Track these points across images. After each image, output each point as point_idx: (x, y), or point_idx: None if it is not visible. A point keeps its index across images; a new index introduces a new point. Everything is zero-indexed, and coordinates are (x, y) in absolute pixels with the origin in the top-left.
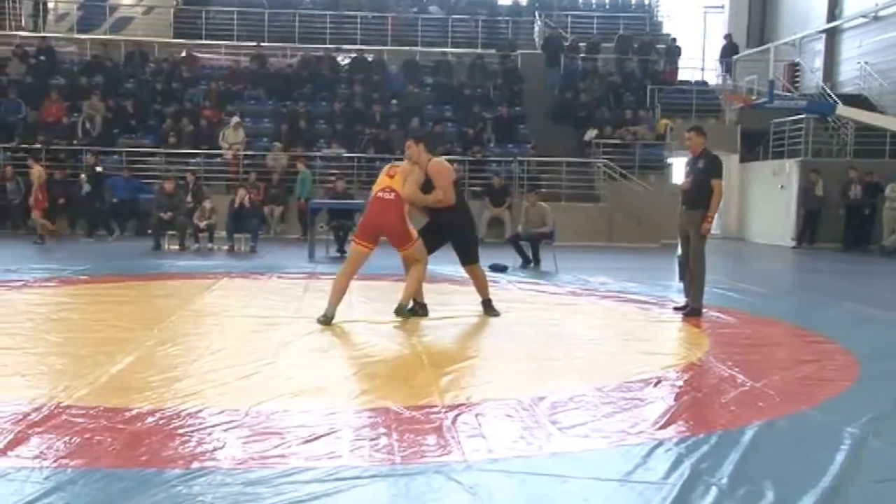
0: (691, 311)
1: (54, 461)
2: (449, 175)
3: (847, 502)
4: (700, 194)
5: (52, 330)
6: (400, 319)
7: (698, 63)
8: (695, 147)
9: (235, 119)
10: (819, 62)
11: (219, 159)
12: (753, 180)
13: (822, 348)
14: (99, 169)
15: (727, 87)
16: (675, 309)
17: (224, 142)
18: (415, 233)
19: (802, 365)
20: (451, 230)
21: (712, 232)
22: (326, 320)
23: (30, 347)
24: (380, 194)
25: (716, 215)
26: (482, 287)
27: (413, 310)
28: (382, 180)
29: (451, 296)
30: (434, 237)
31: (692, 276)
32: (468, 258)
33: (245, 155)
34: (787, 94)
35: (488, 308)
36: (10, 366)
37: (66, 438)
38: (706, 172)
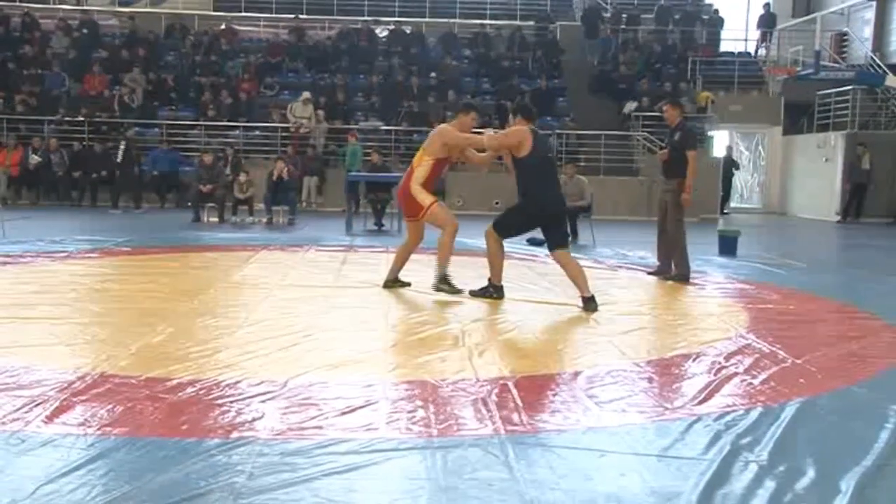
0: (678, 277)
1: (98, 429)
2: (482, 137)
3: (891, 481)
4: (675, 165)
5: (96, 300)
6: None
7: (741, 35)
8: (671, 119)
9: (306, 94)
10: (868, 31)
11: (257, 132)
12: (797, 153)
13: (866, 324)
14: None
15: (763, 58)
16: (649, 273)
17: (291, 115)
18: (426, 201)
19: (846, 341)
20: None
21: (753, 206)
22: (385, 284)
23: (74, 317)
24: None
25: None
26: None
27: (487, 290)
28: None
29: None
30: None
31: (670, 244)
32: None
33: (284, 128)
34: (834, 64)
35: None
36: (55, 335)
37: (110, 407)
38: (681, 144)
